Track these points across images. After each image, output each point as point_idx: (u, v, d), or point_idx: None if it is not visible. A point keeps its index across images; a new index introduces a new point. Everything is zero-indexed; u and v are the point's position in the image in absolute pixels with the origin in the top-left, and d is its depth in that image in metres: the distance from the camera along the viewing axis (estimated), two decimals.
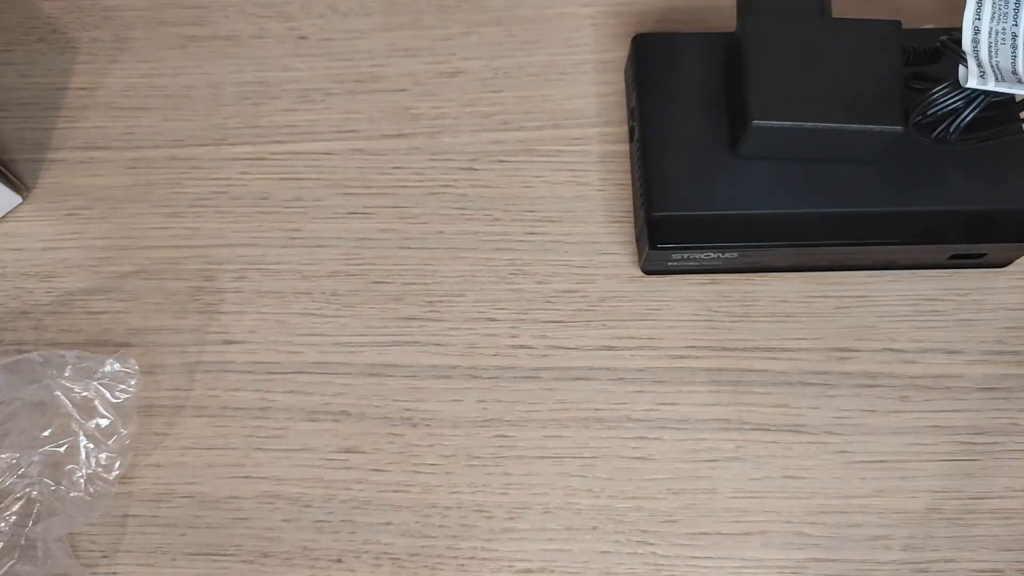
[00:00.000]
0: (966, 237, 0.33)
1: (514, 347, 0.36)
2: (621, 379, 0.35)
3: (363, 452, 0.35)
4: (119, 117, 0.39)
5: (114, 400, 0.33)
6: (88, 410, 0.33)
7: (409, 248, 0.37)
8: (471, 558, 0.33)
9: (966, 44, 0.30)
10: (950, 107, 0.31)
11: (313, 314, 0.36)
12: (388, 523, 0.34)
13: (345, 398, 0.35)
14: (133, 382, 0.34)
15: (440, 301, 0.36)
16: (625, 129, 0.38)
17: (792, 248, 0.34)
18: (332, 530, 0.34)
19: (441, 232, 0.37)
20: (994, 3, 0.30)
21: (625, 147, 0.38)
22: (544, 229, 0.37)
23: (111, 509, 0.34)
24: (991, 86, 0.29)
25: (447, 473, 0.34)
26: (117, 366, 0.34)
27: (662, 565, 0.33)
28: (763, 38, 0.32)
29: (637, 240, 0.36)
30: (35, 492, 0.33)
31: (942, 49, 0.31)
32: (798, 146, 0.32)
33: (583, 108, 0.38)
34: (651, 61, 0.35)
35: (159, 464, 0.34)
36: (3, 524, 0.32)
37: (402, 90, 0.39)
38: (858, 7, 0.38)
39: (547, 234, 0.37)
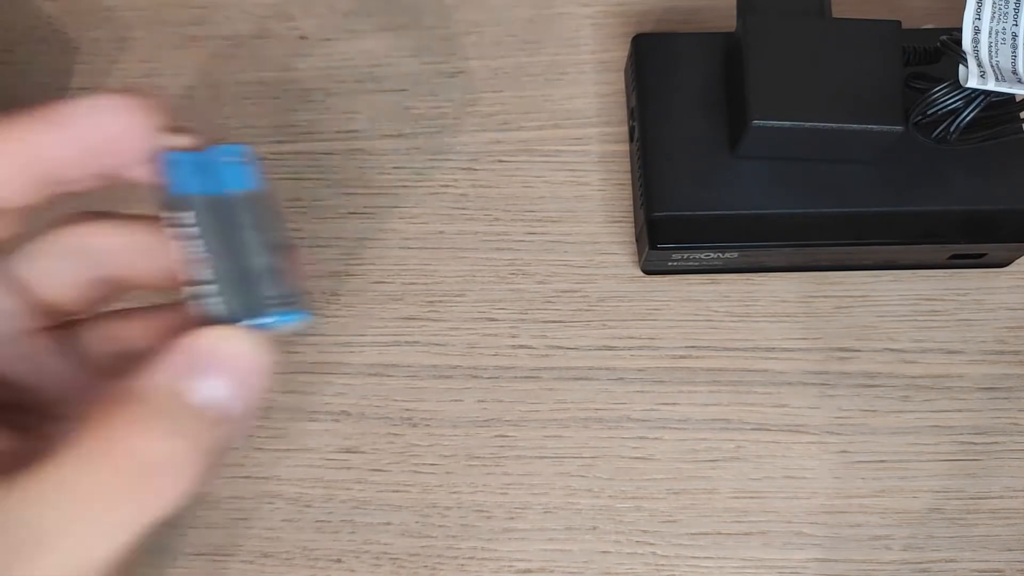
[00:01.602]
0: (966, 237, 0.33)
1: (514, 347, 0.36)
2: (621, 379, 0.35)
3: (363, 452, 0.35)
4: None
5: None
6: None
7: (409, 248, 0.37)
8: (471, 558, 0.33)
9: (966, 44, 0.30)
10: (950, 107, 0.31)
11: (314, 314, 0.36)
12: (388, 523, 0.34)
13: (345, 398, 0.35)
14: None
15: (440, 301, 0.36)
16: (625, 129, 0.38)
17: (792, 248, 0.34)
18: (332, 530, 0.34)
19: (441, 232, 0.37)
20: (994, 3, 0.30)
21: (625, 147, 0.38)
22: (544, 229, 0.37)
23: None
24: (991, 86, 0.29)
25: (447, 473, 0.34)
26: None
27: (662, 565, 0.33)
28: (763, 38, 0.32)
29: (637, 240, 0.36)
30: None
31: (942, 49, 0.31)
32: (798, 146, 0.32)
33: (583, 108, 0.38)
34: (651, 61, 0.35)
35: None
36: None
37: (402, 90, 0.39)
38: (858, 7, 0.38)
39: (547, 234, 0.37)
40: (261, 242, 0.19)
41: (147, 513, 0.16)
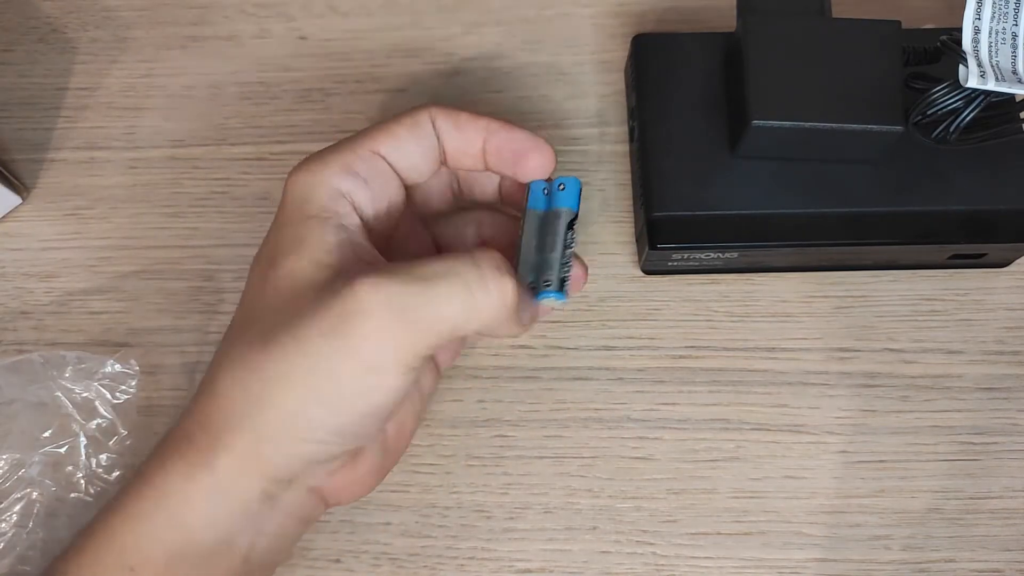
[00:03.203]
0: (966, 237, 0.33)
1: (514, 347, 0.36)
2: (621, 379, 0.35)
3: None
4: (119, 117, 0.39)
5: (114, 401, 0.34)
6: (88, 411, 0.33)
7: None
8: (471, 558, 0.33)
9: (966, 44, 0.30)
10: (950, 107, 0.31)
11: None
12: (387, 523, 0.34)
13: None
14: (133, 383, 0.34)
15: None
16: (625, 129, 0.38)
17: (792, 248, 0.34)
18: (331, 530, 0.34)
19: None
20: (994, 3, 0.30)
21: (625, 147, 0.38)
22: None
23: None
24: (991, 86, 0.29)
25: (447, 473, 0.34)
26: (117, 367, 0.34)
27: (662, 565, 0.33)
28: (763, 38, 0.32)
29: (637, 240, 0.36)
30: (36, 493, 0.33)
31: (942, 49, 0.31)
32: (798, 146, 0.32)
33: (583, 108, 0.38)
34: (651, 61, 0.35)
35: None
36: (4, 525, 0.32)
37: (402, 90, 0.39)
38: (858, 7, 0.38)
39: None
40: (558, 243, 0.29)
41: (478, 318, 0.26)
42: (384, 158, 0.29)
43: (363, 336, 0.24)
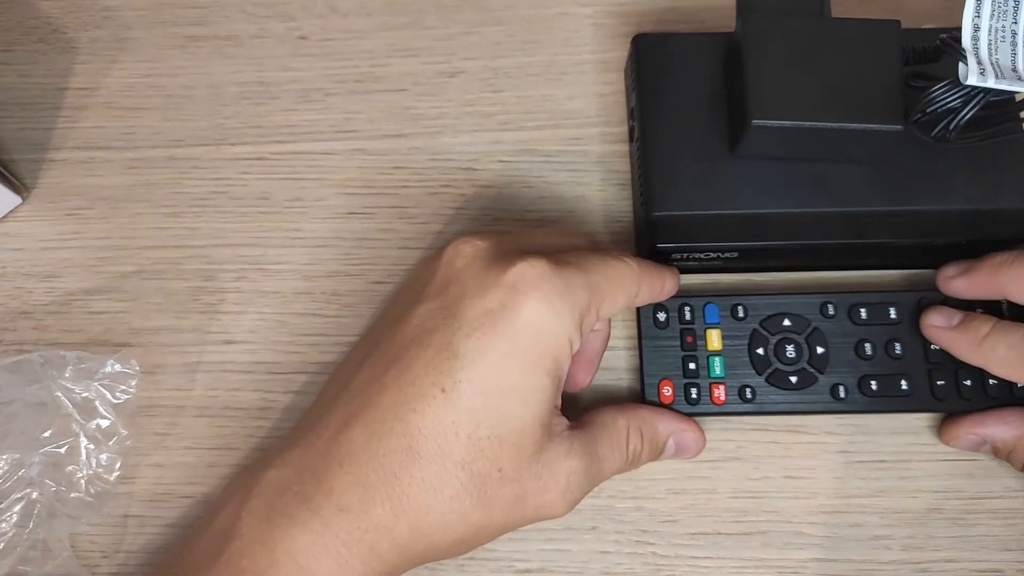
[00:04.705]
0: (966, 236, 0.33)
1: None
2: (621, 379, 0.35)
3: None
4: (119, 117, 0.39)
5: (115, 401, 0.34)
6: (89, 411, 0.33)
7: (409, 248, 0.37)
8: (471, 558, 0.33)
9: (966, 41, 0.30)
10: (949, 105, 0.31)
11: (314, 314, 0.36)
12: None
13: None
14: (134, 383, 0.34)
15: None
16: (625, 129, 0.38)
17: (792, 248, 0.34)
18: None
19: (441, 232, 0.37)
20: (994, 1, 0.30)
21: (625, 147, 0.38)
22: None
23: (112, 509, 0.34)
24: (991, 83, 0.29)
25: None
26: (117, 367, 0.34)
27: (662, 565, 0.33)
28: (763, 38, 0.32)
29: (637, 240, 0.36)
30: (36, 493, 0.33)
31: (942, 47, 0.31)
32: (798, 146, 0.32)
33: (583, 108, 0.38)
34: (651, 61, 0.35)
35: (160, 464, 0.34)
36: (4, 525, 0.32)
37: (402, 90, 0.39)
38: (858, 7, 0.38)
39: None
40: None
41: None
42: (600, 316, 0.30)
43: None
